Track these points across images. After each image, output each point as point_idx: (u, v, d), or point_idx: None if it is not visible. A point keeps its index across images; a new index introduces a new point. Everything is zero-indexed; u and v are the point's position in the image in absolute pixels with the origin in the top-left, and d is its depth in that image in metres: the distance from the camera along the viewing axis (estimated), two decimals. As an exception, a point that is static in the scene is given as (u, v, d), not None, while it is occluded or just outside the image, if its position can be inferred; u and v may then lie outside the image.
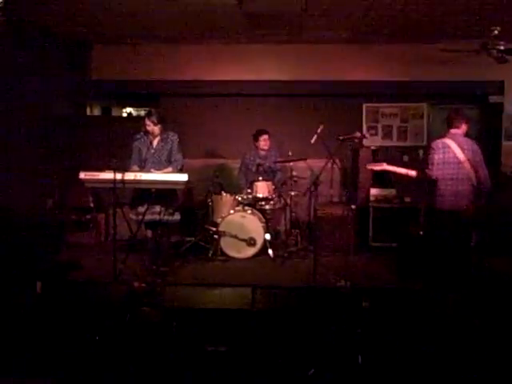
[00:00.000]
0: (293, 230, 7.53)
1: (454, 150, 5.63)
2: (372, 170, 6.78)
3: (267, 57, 8.82)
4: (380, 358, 4.05)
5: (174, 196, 6.28)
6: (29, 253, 6.24)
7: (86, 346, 4.22)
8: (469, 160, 5.59)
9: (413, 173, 5.79)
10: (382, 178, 7.78)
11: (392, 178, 7.63)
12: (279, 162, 7.68)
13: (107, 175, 5.67)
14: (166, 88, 9.07)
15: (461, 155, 5.59)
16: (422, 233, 6.22)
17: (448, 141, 5.72)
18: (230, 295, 5.13)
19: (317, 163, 7.26)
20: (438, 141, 5.80)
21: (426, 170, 5.69)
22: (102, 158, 7.56)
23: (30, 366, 3.98)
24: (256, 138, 7.70)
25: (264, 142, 7.66)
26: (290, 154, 7.39)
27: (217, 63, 8.86)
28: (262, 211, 7.24)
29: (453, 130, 5.79)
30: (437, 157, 5.65)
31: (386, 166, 5.93)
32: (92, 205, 7.79)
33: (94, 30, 7.84)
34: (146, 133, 6.26)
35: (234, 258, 6.98)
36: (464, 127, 5.80)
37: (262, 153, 7.72)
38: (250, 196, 7.21)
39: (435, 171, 5.65)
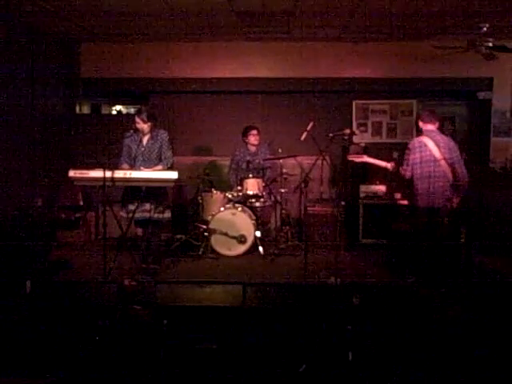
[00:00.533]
0: (283, 227, 7.54)
1: (431, 148, 5.70)
2: (361, 166, 6.86)
3: (257, 54, 8.81)
4: (370, 354, 4.07)
5: (164, 194, 6.27)
6: (18, 252, 6.21)
7: (76, 345, 4.21)
8: (445, 158, 5.65)
9: (388, 166, 5.94)
10: (371, 175, 7.82)
11: (381, 175, 7.67)
12: (269, 159, 7.68)
13: (97, 173, 5.65)
14: (155, 86, 9.06)
15: (437, 153, 5.67)
16: (409, 230, 6.27)
17: (425, 139, 5.78)
18: (221, 293, 5.12)
19: (307, 160, 7.30)
20: (415, 139, 5.87)
21: (400, 169, 5.84)
22: (92, 156, 7.59)
23: (18, 366, 3.96)
24: (245, 133, 7.69)
25: (253, 137, 7.65)
26: (279, 151, 7.39)
27: (207, 61, 8.84)
28: (253, 208, 7.24)
29: (429, 127, 5.84)
30: (412, 157, 5.75)
31: (366, 158, 6.06)
32: (82, 203, 7.77)
33: (83, 27, 7.79)
34: (136, 131, 6.24)
35: (224, 256, 6.99)
36: (438, 124, 5.88)
37: (252, 149, 7.72)
38: (240, 193, 7.21)
39: (409, 171, 5.76)
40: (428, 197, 5.72)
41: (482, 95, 9.23)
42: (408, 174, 5.78)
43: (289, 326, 4.45)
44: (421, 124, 5.90)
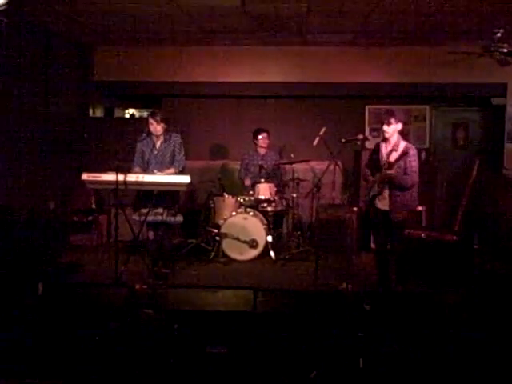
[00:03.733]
0: (295, 232, 7.52)
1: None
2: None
3: (270, 59, 8.82)
4: (381, 361, 4.04)
5: (176, 197, 6.28)
6: (31, 254, 6.25)
7: (88, 348, 4.22)
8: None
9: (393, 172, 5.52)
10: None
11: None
12: (282, 163, 7.68)
13: (109, 177, 5.67)
14: (168, 89, 9.09)
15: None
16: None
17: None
18: (232, 298, 5.12)
19: (319, 165, 7.28)
20: (412, 146, 5.61)
21: (415, 179, 5.50)
22: (105, 159, 7.61)
23: (31, 368, 3.97)
24: (255, 135, 7.69)
25: (262, 140, 7.65)
26: (292, 155, 7.39)
27: (219, 65, 8.85)
28: (264, 213, 7.23)
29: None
30: (417, 163, 5.53)
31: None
32: (94, 206, 7.79)
33: (97, 31, 7.84)
34: (149, 134, 6.26)
35: (235, 260, 6.98)
36: None
37: (262, 151, 7.71)
38: (252, 198, 7.20)
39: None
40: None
41: (495, 101, 9.17)
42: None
43: (299, 332, 4.44)
44: (401, 126, 5.61)
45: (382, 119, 5.60)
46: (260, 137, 7.64)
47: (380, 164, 5.53)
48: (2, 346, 4.17)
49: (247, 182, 7.56)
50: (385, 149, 5.60)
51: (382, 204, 5.56)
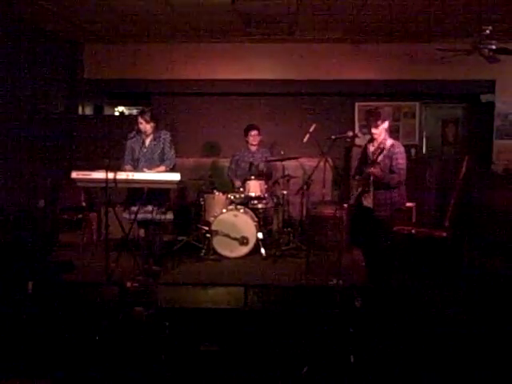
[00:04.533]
0: (285, 229, 7.53)
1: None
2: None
3: (260, 56, 8.82)
4: (372, 357, 4.06)
5: (166, 195, 6.26)
6: (20, 252, 6.22)
7: (78, 346, 4.21)
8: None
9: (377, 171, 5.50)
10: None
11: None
12: (272, 160, 7.67)
13: (99, 175, 5.64)
14: (157, 87, 9.07)
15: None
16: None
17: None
18: (223, 295, 5.13)
19: (309, 162, 7.28)
20: (398, 143, 5.63)
21: (402, 177, 5.49)
22: (94, 157, 7.59)
23: (20, 366, 3.96)
24: (246, 132, 7.70)
25: (253, 137, 7.65)
26: (282, 152, 7.39)
27: (209, 62, 8.85)
28: (255, 210, 7.23)
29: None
30: (405, 161, 5.52)
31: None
32: (84, 204, 7.76)
33: (86, 28, 7.81)
34: (139, 132, 6.24)
35: (226, 257, 6.98)
36: None
37: (252, 149, 7.71)
38: (242, 195, 7.21)
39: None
40: None
41: (484, 98, 9.23)
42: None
43: (291, 328, 4.45)
44: (387, 124, 5.60)
45: (368, 121, 5.61)
46: (251, 133, 7.64)
47: (368, 163, 5.56)
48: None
49: (237, 183, 7.55)
50: (372, 147, 5.63)
51: (367, 201, 5.60)
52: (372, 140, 5.63)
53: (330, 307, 4.91)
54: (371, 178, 5.46)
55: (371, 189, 5.53)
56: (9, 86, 7.08)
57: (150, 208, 6.06)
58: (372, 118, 5.52)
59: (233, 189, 7.58)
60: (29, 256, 6.26)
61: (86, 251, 7.30)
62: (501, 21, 7.00)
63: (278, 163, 7.59)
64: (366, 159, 5.68)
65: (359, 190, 5.60)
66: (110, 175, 5.58)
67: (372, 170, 5.35)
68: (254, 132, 7.64)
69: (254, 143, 7.68)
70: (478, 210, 7.26)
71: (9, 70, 7.07)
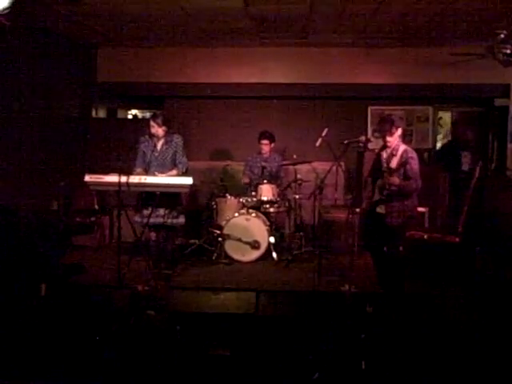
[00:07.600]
0: (297, 233, 7.52)
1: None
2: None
3: (272, 60, 8.82)
4: (384, 363, 4.04)
5: (178, 199, 6.27)
6: (33, 255, 6.25)
7: (90, 349, 4.22)
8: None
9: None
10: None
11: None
12: (284, 164, 7.67)
13: (112, 178, 5.67)
14: (171, 90, 9.10)
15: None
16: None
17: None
18: (235, 299, 5.13)
19: (322, 166, 7.27)
20: (411, 149, 5.60)
21: (418, 184, 5.46)
22: (107, 161, 7.62)
23: (33, 369, 3.97)
24: (258, 139, 7.69)
25: (263, 146, 7.64)
26: (294, 156, 7.38)
27: (222, 66, 8.86)
28: (267, 214, 7.23)
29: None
30: (419, 166, 5.51)
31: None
32: (97, 207, 7.79)
33: (99, 32, 7.85)
34: (151, 135, 6.26)
35: (238, 261, 6.98)
36: None
37: (265, 154, 7.72)
38: (254, 199, 7.20)
39: None
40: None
41: (498, 102, 9.16)
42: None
43: (302, 334, 4.44)
44: (401, 130, 5.60)
45: (382, 129, 5.58)
46: (262, 142, 7.63)
47: (382, 170, 5.52)
48: (4, 346, 4.18)
49: (245, 180, 7.56)
50: (385, 153, 5.59)
51: (380, 208, 5.56)
52: (385, 147, 5.59)
53: (342, 312, 4.89)
54: (389, 187, 5.41)
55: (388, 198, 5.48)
56: (24, 89, 7.13)
57: (161, 212, 6.07)
58: (387, 126, 5.49)
59: (243, 187, 7.57)
60: (42, 258, 6.29)
61: (98, 254, 7.33)
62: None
63: (291, 167, 7.58)
64: (380, 166, 5.63)
65: (377, 197, 5.55)
66: (123, 179, 5.60)
67: (391, 179, 5.30)
68: (265, 141, 7.62)
69: (264, 152, 7.67)
70: (491, 215, 7.20)
71: (23, 74, 7.12)
